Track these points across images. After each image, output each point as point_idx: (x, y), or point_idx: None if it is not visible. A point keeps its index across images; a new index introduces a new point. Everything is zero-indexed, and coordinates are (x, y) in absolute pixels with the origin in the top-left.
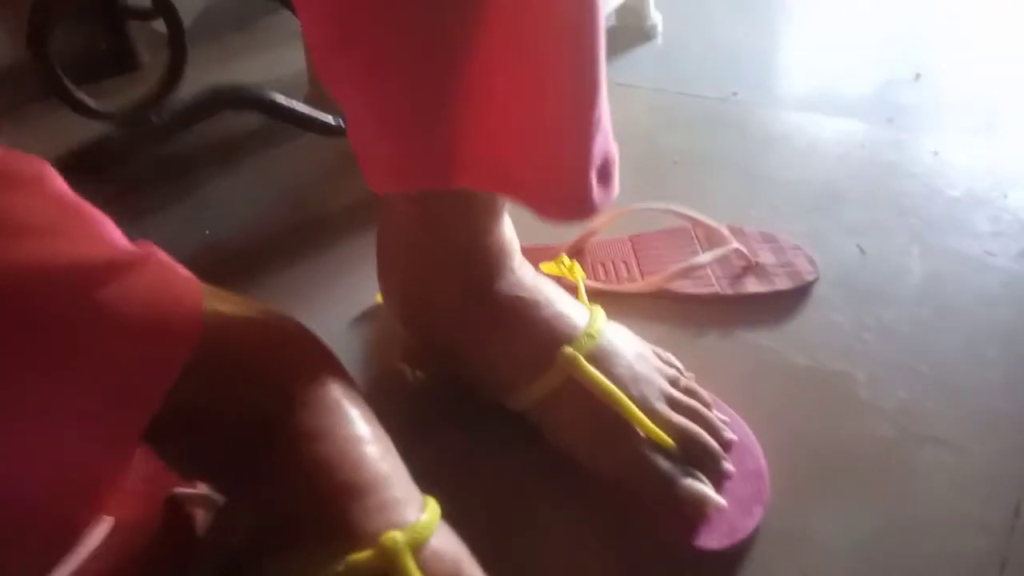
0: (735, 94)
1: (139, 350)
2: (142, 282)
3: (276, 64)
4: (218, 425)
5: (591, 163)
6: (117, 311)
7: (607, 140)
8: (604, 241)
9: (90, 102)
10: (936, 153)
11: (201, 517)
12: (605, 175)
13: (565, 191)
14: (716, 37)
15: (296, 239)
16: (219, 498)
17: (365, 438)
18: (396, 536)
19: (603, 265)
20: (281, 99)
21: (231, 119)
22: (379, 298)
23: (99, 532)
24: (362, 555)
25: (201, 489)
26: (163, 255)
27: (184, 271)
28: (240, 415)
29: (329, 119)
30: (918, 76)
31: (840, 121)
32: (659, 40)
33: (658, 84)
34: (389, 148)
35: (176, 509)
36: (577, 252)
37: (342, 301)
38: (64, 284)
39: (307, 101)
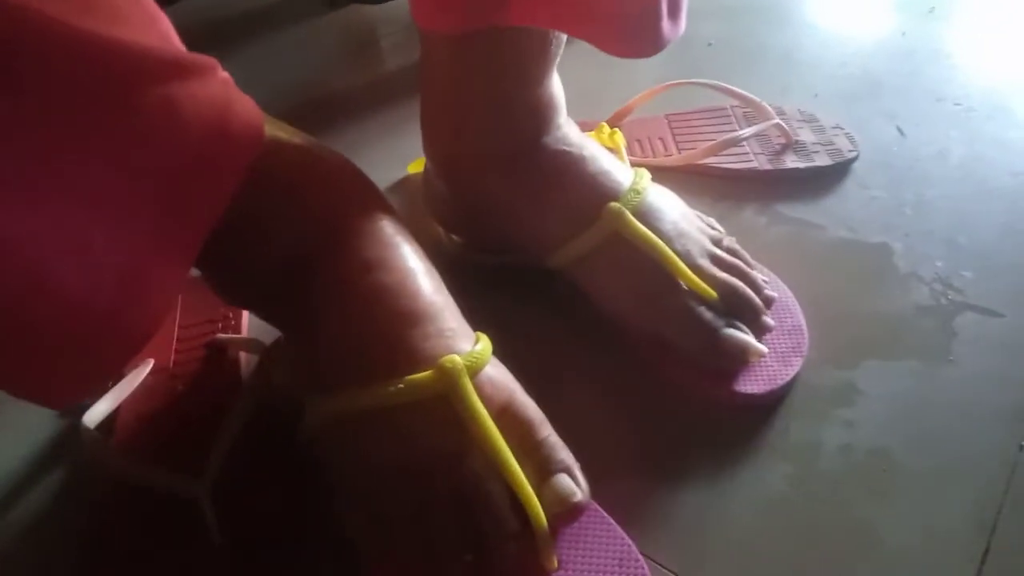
0: None
1: (205, 150)
2: (209, 88)
3: None
4: (274, 246)
5: None
6: (185, 108)
7: None
8: (639, 119)
9: None
10: (977, 44)
11: (245, 360)
12: (674, 6)
13: (633, 23)
14: None
15: (311, 119)
16: (263, 341)
17: (421, 270)
18: (455, 359)
19: (639, 142)
20: None
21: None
22: (409, 169)
23: (140, 372)
24: (422, 375)
25: (244, 334)
26: (224, 71)
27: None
28: (296, 237)
29: None
30: None
31: (880, 10)
32: None
33: None
34: None
35: (219, 353)
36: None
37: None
38: (141, 70)
39: None
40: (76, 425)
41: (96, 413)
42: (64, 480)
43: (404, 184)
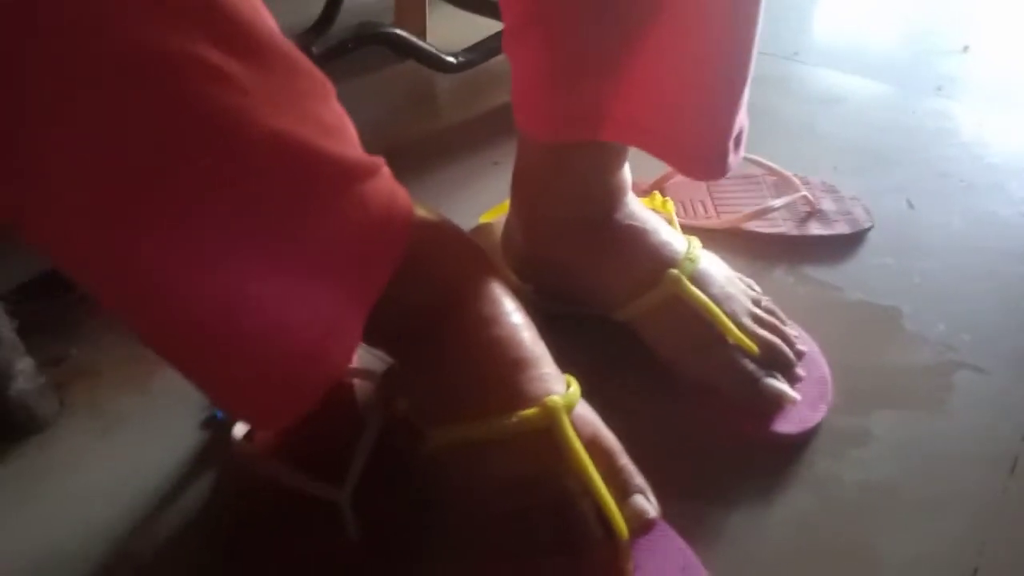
0: (796, 54)
1: (381, 230)
2: (382, 182)
3: None
4: (411, 305)
5: (732, 132)
6: (370, 199)
7: (744, 112)
8: (682, 182)
9: None
10: (979, 123)
11: (359, 386)
12: (738, 142)
13: (708, 153)
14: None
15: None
16: (376, 370)
17: (525, 324)
18: (556, 399)
19: (682, 203)
20: (417, 40)
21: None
22: (481, 219)
23: None
24: (530, 412)
25: (355, 363)
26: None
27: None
28: (429, 298)
29: (452, 59)
30: (966, 48)
31: (892, 88)
32: None
33: None
34: (553, 102)
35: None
36: (657, 189)
37: None
38: (346, 174)
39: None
40: (221, 436)
41: (241, 425)
42: (212, 482)
43: (477, 232)
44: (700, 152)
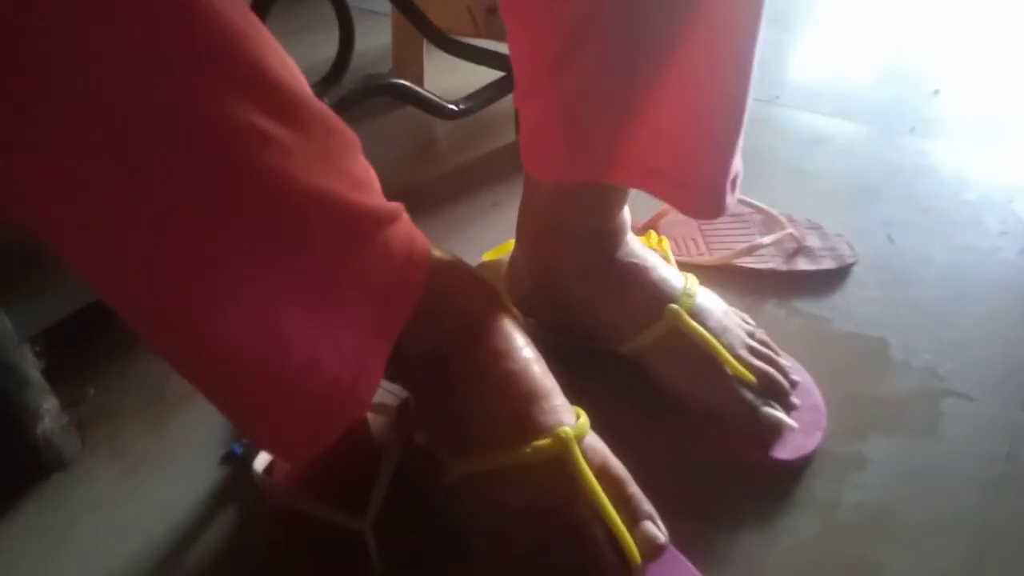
0: (777, 98)
1: (404, 271)
2: (403, 226)
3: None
4: (428, 341)
5: (730, 174)
6: (393, 244)
7: (739, 156)
8: (674, 220)
9: None
10: (953, 161)
11: (372, 419)
12: (734, 184)
13: (708, 194)
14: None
15: None
16: (389, 403)
17: (535, 358)
18: (567, 429)
19: (675, 241)
20: (420, 89)
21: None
22: (484, 257)
23: None
24: (543, 442)
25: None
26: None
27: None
28: (445, 333)
29: (453, 107)
30: (937, 91)
31: (870, 129)
32: None
33: None
34: (564, 147)
35: None
36: (652, 228)
37: None
38: (373, 222)
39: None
40: (239, 472)
41: (261, 460)
42: (233, 516)
43: (481, 270)
44: (701, 193)
